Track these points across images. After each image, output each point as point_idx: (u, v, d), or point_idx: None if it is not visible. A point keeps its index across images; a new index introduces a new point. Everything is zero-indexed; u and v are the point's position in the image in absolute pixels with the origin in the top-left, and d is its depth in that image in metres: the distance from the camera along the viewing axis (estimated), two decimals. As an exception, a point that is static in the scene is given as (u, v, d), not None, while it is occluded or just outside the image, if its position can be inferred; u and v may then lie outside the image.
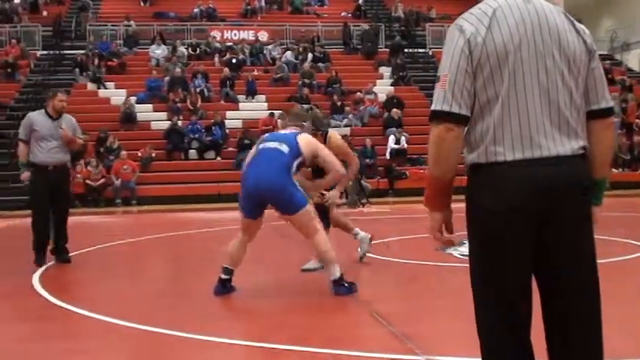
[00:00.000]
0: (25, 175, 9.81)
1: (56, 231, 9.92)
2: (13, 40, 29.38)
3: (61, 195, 9.92)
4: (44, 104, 10.06)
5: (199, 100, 26.53)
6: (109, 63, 28.83)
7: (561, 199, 2.82)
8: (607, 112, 2.99)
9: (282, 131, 7.60)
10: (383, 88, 28.45)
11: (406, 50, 31.60)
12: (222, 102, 27.11)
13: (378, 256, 9.48)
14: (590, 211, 2.93)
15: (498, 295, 2.94)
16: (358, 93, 27.48)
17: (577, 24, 2.96)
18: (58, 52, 29.95)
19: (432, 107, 2.89)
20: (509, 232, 2.84)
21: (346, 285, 6.94)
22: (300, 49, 30.56)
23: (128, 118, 25.69)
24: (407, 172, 24.15)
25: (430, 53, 32.12)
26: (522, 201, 2.80)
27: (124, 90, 27.04)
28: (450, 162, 2.87)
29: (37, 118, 9.85)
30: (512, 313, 2.93)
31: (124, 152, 23.10)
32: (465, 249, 10.44)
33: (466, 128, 2.88)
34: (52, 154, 9.72)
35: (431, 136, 2.89)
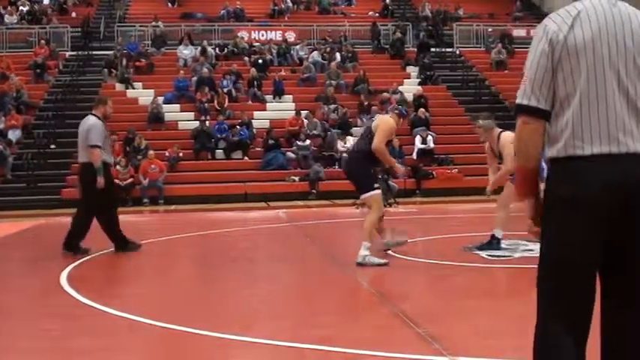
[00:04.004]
0: (102, 180, 10.36)
1: (115, 224, 10.64)
2: (42, 41, 29.59)
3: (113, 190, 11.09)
4: (93, 110, 10.80)
5: (227, 100, 26.61)
6: (137, 63, 28.96)
7: (635, 195, 2.86)
8: None
9: None
10: (410, 88, 28.34)
11: (433, 49, 31.48)
12: (249, 102, 27.16)
13: (405, 257, 9.46)
14: None
15: (559, 283, 2.96)
16: (385, 93, 27.41)
17: None
18: (86, 52, 30.15)
19: (516, 102, 3.04)
20: (580, 222, 2.89)
21: None
22: (327, 49, 30.54)
23: (156, 118, 25.80)
24: (434, 173, 24.04)
25: (457, 52, 31.95)
26: (596, 194, 2.85)
27: (152, 90, 27.12)
28: (529, 153, 3.00)
29: (101, 123, 10.59)
30: (570, 303, 2.95)
31: (151, 152, 23.19)
32: (492, 250, 10.39)
33: (547, 124, 2.98)
34: (110, 154, 10.96)
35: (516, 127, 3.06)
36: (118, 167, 22.69)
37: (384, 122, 9.24)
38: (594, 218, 2.87)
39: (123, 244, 10.58)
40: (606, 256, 2.93)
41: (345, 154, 24.14)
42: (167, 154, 23.88)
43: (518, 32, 32.80)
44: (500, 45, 30.83)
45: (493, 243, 9.66)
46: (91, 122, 10.56)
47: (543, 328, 2.99)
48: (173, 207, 21.54)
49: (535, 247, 9.49)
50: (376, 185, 9.12)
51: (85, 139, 10.44)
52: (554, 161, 2.98)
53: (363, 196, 9.10)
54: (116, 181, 22.06)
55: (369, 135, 9.12)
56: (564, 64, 2.91)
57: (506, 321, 6.04)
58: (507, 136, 9.21)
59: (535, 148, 2.98)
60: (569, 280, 2.94)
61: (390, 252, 9.61)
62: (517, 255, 9.15)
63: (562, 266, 2.95)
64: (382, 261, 8.80)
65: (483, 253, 9.32)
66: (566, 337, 2.93)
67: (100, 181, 10.23)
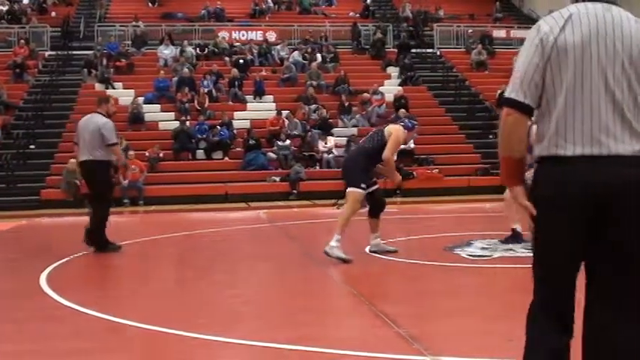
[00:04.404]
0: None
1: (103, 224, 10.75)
2: (22, 41, 29.38)
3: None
4: (97, 108, 10.80)
5: (207, 101, 26.53)
6: (117, 63, 28.83)
7: (618, 197, 2.90)
8: None
9: None
10: (391, 88, 28.38)
11: (414, 50, 31.54)
12: (230, 102, 27.10)
13: (385, 257, 9.47)
14: None
15: (547, 282, 3.04)
16: (365, 93, 27.43)
17: None
18: (66, 52, 29.99)
19: (504, 95, 3.13)
20: (561, 222, 2.95)
21: None
22: (308, 49, 30.53)
23: (136, 118, 25.69)
24: (414, 173, 24.08)
25: (438, 53, 32.02)
26: (576, 195, 2.90)
27: (132, 90, 27.01)
28: (511, 143, 3.07)
29: (111, 121, 10.67)
30: (559, 302, 3.02)
31: (131, 152, 23.08)
32: (472, 249, 10.42)
33: (534, 120, 3.09)
34: None
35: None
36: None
37: (397, 131, 9.44)
38: (575, 218, 2.92)
39: (103, 245, 10.53)
40: (591, 255, 2.96)
41: (325, 155, 24.22)
42: (147, 154, 23.78)
43: (498, 33, 32.95)
44: (480, 46, 30.93)
45: (516, 238, 9.87)
46: (102, 121, 10.47)
47: (533, 323, 3.04)
48: (153, 207, 21.47)
49: (515, 247, 9.55)
50: (363, 185, 9.19)
51: (97, 138, 10.38)
52: (540, 160, 3.05)
53: (347, 190, 9.21)
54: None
55: (380, 139, 9.33)
56: (553, 64, 2.98)
57: (487, 320, 6.06)
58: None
59: (518, 138, 3.06)
60: (555, 279, 2.98)
61: (371, 252, 9.65)
62: (497, 255, 9.17)
63: (548, 267, 3.01)
64: (346, 257, 8.85)
65: (464, 253, 9.35)
66: (555, 334, 2.97)
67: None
